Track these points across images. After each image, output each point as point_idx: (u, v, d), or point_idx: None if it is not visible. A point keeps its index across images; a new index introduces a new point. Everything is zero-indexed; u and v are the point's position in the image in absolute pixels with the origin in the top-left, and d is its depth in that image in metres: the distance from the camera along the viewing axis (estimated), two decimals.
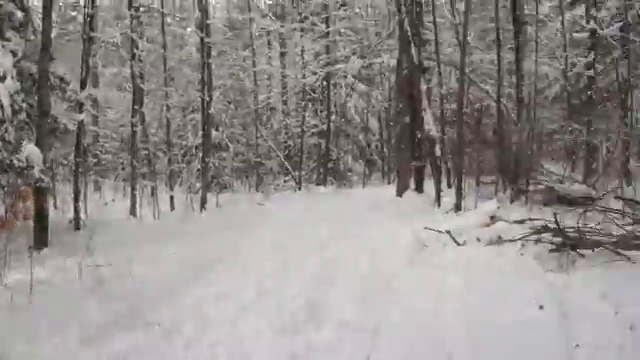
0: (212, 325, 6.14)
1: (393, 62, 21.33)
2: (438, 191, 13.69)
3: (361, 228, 11.33)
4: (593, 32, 18.00)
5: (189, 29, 28.35)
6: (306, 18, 26.60)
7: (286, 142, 28.07)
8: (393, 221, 11.72)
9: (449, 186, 15.77)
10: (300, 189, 23.88)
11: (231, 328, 6.06)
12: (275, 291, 7.28)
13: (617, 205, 10.56)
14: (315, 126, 27.14)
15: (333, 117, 26.57)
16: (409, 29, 15.30)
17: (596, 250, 7.95)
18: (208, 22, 19.01)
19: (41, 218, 10.93)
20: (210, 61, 19.16)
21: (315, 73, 25.46)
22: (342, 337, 5.64)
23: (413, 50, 15.19)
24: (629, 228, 8.65)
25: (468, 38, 19.46)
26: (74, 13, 29.87)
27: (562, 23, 20.93)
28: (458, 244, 9.47)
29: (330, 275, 7.92)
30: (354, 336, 5.64)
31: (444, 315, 6.02)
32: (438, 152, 14.91)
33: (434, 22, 18.91)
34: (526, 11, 18.12)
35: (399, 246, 9.42)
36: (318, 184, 25.09)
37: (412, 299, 6.65)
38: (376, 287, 7.20)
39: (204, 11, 18.64)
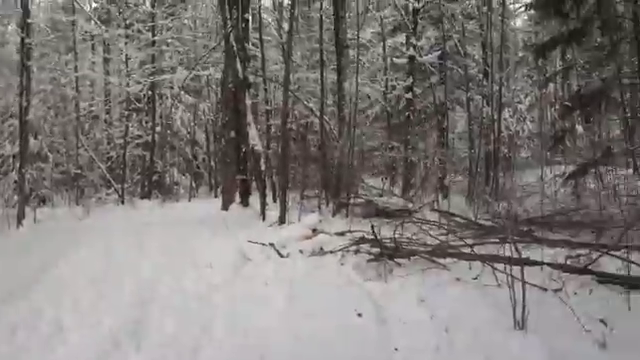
0: (26, 350, 5.68)
1: (220, 75, 21.22)
2: (263, 205, 13.71)
3: (186, 242, 11.03)
4: (412, 58, 19.22)
5: (10, 27, 26.19)
6: (132, 25, 25.59)
7: (109, 153, 26.64)
8: (218, 235, 11.55)
9: (274, 200, 15.90)
10: (123, 203, 22.76)
11: (48, 353, 5.63)
12: (94, 310, 6.85)
13: (433, 217, 11.23)
14: (139, 137, 26.07)
15: (158, 128, 25.77)
16: (235, 44, 15.24)
17: (412, 259, 8.45)
18: (29, 21, 17.53)
19: None
20: (30, 63, 17.66)
21: (140, 82, 24.55)
22: (163, 356, 5.44)
23: (238, 65, 15.13)
24: (443, 238, 9.27)
25: (294, 57, 19.93)
26: None
27: (384, 48, 22.15)
28: (282, 256, 9.56)
29: (152, 292, 7.59)
30: (175, 355, 5.45)
31: (267, 329, 6.00)
32: (263, 166, 14.96)
33: (260, 39, 19.16)
34: (349, 35, 18.88)
35: (224, 260, 9.27)
36: (143, 198, 24.12)
37: (235, 314, 6.57)
38: (199, 303, 7.03)
39: (26, 9, 17.17)
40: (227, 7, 15.58)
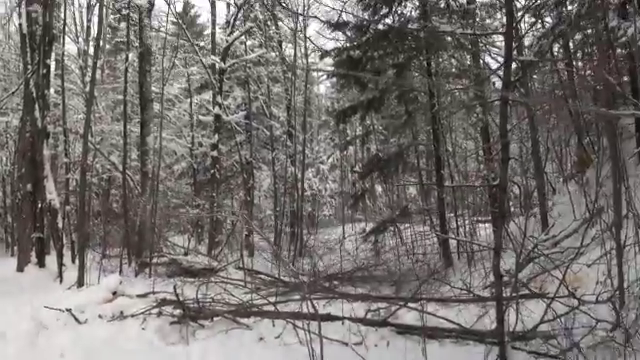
0: None
1: (18, 122, 19.66)
2: (60, 265, 12.71)
3: None
4: (218, 116, 19.31)
5: None
6: None
7: None
8: (12, 300, 10.39)
9: (73, 260, 14.77)
10: None
11: None
12: None
13: (238, 275, 11.09)
14: None
15: None
16: (34, 90, 14.25)
17: (216, 319, 8.23)
18: None
19: None
20: None
21: None
22: None
23: (38, 113, 14.13)
24: (247, 297, 9.15)
25: (98, 108, 19.08)
26: None
27: (190, 105, 22.05)
28: (80, 322, 8.83)
29: None
30: None
31: None
32: (60, 223, 13.93)
33: (62, 86, 18.14)
34: (155, 89, 18.56)
35: (17, 329, 8.34)
36: None
37: None
38: None
39: None
40: (29, 50, 14.57)
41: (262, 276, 12.01)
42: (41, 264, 14.61)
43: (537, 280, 8.46)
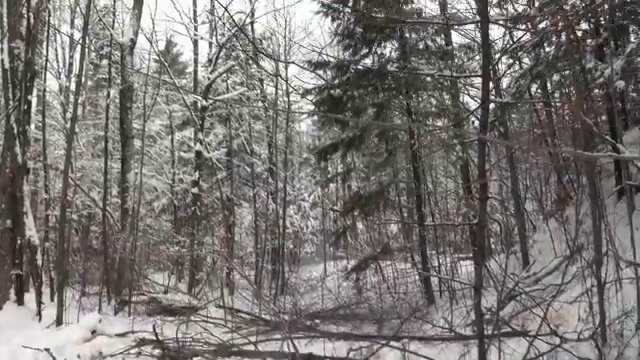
0: None
1: None
2: (39, 303, 12.46)
3: None
4: (199, 153, 19.28)
5: None
6: None
7: None
8: None
9: (52, 298, 14.53)
10: None
11: None
12: None
13: (219, 314, 10.97)
14: None
15: None
16: (15, 126, 14.18)
17: (195, 359, 8.02)
18: None
19: None
20: None
21: None
22: None
23: (18, 148, 14.03)
24: (228, 336, 9.04)
25: (79, 144, 19.02)
26: None
27: (172, 141, 22.06)
28: None
29: None
30: None
31: None
32: (40, 260, 13.72)
33: (43, 122, 18.09)
34: (137, 126, 18.56)
35: None
36: None
37: None
38: None
39: None
40: (10, 86, 14.55)
41: (243, 315, 11.90)
42: (20, 302, 14.31)
43: (519, 318, 8.46)
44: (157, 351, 8.38)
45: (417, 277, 13.95)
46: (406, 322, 8.35)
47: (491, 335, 6.13)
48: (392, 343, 7.53)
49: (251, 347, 8.22)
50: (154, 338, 8.47)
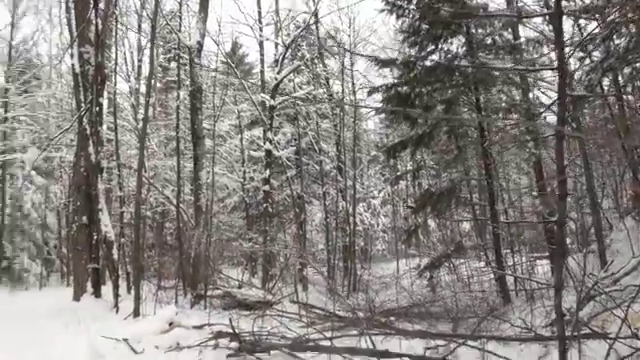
0: None
1: (72, 157, 20.36)
2: (116, 296, 12.95)
3: (33, 337, 10.07)
4: (269, 152, 19.49)
5: None
6: None
7: None
8: (69, 329, 10.66)
9: (128, 291, 15.05)
10: None
11: None
12: None
13: (293, 309, 11.09)
14: None
15: (8, 210, 24.03)
16: (88, 127, 14.78)
17: (272, 353, 8.18)
18: None
19: None
20: None
21: None
22: None
23: (91, 148, 14.61)
24: (303, 331, 9.11)
25: (150, 144, 19.62)
26: None
27: (241, 140, 22.42)
28: (136, 352, 8.95)
29: None
30: None
31: None
32: (115, 255, 14.25)
33: (115, 123, 18.75)
34: (207, 125, 18.97)
35: (75, 358, 8.51)
36: None
37: None
38: None
39: None
40: (81, 89, 15.18)
41: (317, 310, 11.98)
42: (97, 294, 14.95)
43: (598, 319, 8.25)
44: (234, 344, 8.52)
45: (492, 276, 13.73)
46: (483, 321, 8.26)
47: (571, 336, 6.01)
48: (469, 342, 7.48)
49: (327, 342, 8.31)
50: (231, 331, 8.62)
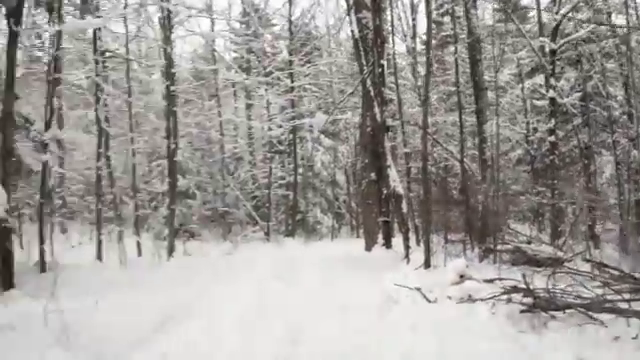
0: None
1: (357, 119, 21.69)
2: (407, 247, 13.65)
3: (330, 282, 11.19)
4: (553, 100, 18.49)
5: (155, 76, 28.31)
6: (271, 73, 27.07)
7: (253, 192, 28.04)
8: (363, 276, 11.58)
9: (417, 243, 15.75)
10: (269, 240, 23.69)
11: None
12: (243, 347, 7.00)
13: (585, 268, 10.65)
14: (282, 178, 27.42)
15: (300, 170, 26.79)
16: (372, 89, 15.57)
17: (567, 312, 7.95)
18: (173, 71, 19.07)
19: (6, 259, 10.50)
20: (176, 109, 19.09)
21: (281, 126, 25.74)
22: None
23: (376, 109, 15.41)
24: (599, 291, 8.68)
25: (431, 100, 19.99)
26: (40, 54, 29.37)
27: (522, 90, 21.65)
28: (429, 301, 9.38)
29: (299, 332, 7.63)
30: None
31: None
32: (405, 208, 14.94)
33: (396, 83, 19.43)
34: (487, 77, 18.67)
35: (370, 303, 9.20)
36: (287, 236, 25.04)
37: None
38: (346, 346, 6.93)
39: (170, 60, 18.73)
40: (362, 54, 16.04)
41: (611, 270, 11.31)
42: (387, 245, 15.99)
43: None
44: (527, 299, 8.38)
45: None
46: None
47: None
48: None
49: (624, 305, 7.72)
50: (524, 286, 8.52)
